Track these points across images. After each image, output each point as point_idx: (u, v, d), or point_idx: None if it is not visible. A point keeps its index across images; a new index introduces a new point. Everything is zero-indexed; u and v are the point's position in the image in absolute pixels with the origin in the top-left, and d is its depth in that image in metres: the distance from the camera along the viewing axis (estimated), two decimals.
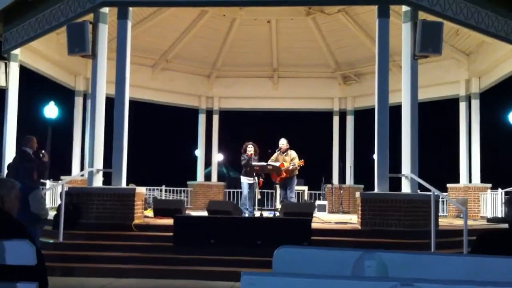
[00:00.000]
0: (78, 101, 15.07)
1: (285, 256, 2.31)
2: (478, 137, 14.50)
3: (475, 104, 14.53)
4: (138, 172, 18.37)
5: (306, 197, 15.60)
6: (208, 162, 18.28)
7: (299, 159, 11.65)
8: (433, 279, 1.79)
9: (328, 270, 2.22)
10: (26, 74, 12.84)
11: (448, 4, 10.14)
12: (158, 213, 10.94)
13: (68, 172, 14.79)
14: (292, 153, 11.66)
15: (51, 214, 8.98)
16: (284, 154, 11.64)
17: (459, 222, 10.89)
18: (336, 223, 10.49)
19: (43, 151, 8.39)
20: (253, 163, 11.09)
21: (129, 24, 10.29)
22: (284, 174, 11.46)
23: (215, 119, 17.71)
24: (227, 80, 17.35)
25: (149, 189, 16.78)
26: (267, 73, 17.19)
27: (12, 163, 9.28)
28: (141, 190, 10.21)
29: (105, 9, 10.23)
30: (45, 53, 13.00)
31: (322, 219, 11.46)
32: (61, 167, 15.59)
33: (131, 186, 10.64)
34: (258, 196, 11.91)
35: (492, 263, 2.25)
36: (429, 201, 8.71)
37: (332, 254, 2.33)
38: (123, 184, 9.91)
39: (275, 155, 11.77)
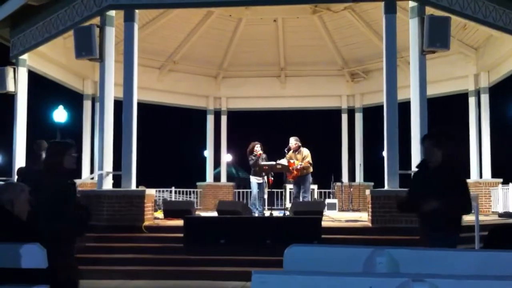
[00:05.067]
0: (87, 104, 15.12)
1: (296, 254, 2.30)
2: (488, 132, 14.39)
3: (485, 98, 14.42)
4: (148, 174, 18.44)
5: (316, 196, 15.56)
6: (217, 163, 18.29)
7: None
8: (445, 275, 1.77)
9: (339, 267, 2.21)
10: (34, 79, 12.90)
11: None
12: (168, 215, 10.96)
13: (78, 175, 14.85)
14: (304, 151, 11.62)
15: None
16: (297, 152, 11.62)
17: (470, 218, 10.80)
18: (347, 221, 10.46)
19: None
20: (262, 163, 11.08)
21: (136, 26, 10.32)
22: (295, 173, 11.43)
23: (223, 119, 17.69)
24: (234, 80, 17.34)
25: (159, 191, 16.84)
26: (274, 72, 17.17)
27: (24, 168, 9.34)
28: (151, 192, 10.23)
29: (112, 12, 10.26)
30: (53, 58, 13.06)
31: (332, 217, 11.43)
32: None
33: (141, 188, 10.67)
34: (265, 195, 11.90)
35: (504, 257, 2.23)
36: None
37: (343, 252, 2.32)
38: (133, 186, 9.94)
39: (289, 154, 11.73)
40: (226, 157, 19.27)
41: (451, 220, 4.74)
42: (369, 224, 9.37)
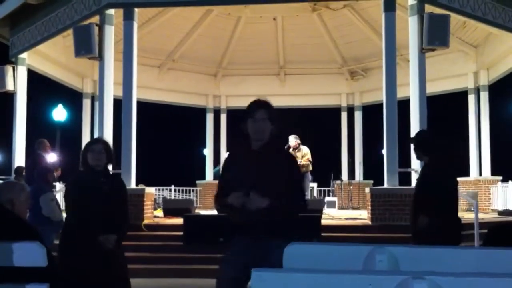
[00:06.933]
0: (86, 103, 15.11)
1: (296, 252, 2.30)
2: (488, 129, 14.39)
3: (484, 96, 14.43)
4: (147, 172, 18.43)
5: (315, 194, 15.55)
6: (216, 161, 18.29)
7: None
8: (445, 272, 1.77)
9: (339, 265, 2.21)
10: (34, 77, 12.90)
11: None
12: (167, 213, 10.96)
13: None
14: (304, 149, 11.62)
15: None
16: (297, 150, 11.62)
17: (470, 216, 10.83)
18: (346, 219, 10.46)
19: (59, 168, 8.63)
20: None
21: (135, 25, 10.32)
22: None
23: (223, 118, 17.71)
24: (234, 79, 17.33)
25: (158, 189, 16.83)
26: (274, 71, 17.16)
27: (24, 167, 9.37)
28: (151, 190, 10.23)
29: (111, 11, 10.25)
30: (52, 56, 13.05)
31: (332, 215, 11.42)
32: (70, 170, 15.66)
33: (141, 186, 10.67)
34: None
35: (504, 255, 2.23)
36: None
37: (342, 250, 2.32)
38: (133, 185, 9.94)
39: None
40: (226, 156, 19.24)
41: (289, 222, 3.53)
42: (369, 222, 9.37)
